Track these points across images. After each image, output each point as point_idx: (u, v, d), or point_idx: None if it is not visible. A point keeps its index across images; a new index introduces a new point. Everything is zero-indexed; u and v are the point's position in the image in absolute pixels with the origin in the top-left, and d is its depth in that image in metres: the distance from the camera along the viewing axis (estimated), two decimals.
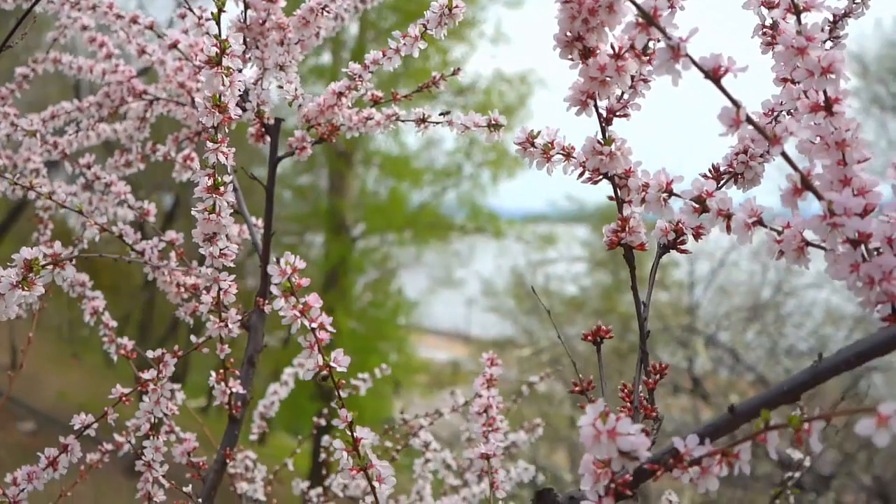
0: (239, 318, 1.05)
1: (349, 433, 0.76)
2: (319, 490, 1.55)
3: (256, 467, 1.51)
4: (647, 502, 6.88)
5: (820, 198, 0.60)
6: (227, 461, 1.13)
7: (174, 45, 1.21)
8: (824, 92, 0.63)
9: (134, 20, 1.23)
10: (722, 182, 0.81)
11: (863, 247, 0.62)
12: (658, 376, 0.75)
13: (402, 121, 1.12)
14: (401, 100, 1.15)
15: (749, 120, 0.59)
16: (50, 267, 0.77)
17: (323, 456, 1.54)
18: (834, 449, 6.22)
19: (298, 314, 0.73)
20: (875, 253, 0.62)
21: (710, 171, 0.81)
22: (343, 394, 1.61)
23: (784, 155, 0.60)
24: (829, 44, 0.84)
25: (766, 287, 7.71)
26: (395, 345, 11.57)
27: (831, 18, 0.84)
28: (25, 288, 0.76)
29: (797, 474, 1.26)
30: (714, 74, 0.60)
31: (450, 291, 12.88)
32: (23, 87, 1.43)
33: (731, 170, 0.80)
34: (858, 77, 9.36)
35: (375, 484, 0.76)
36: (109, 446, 1.29)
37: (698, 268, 8.24)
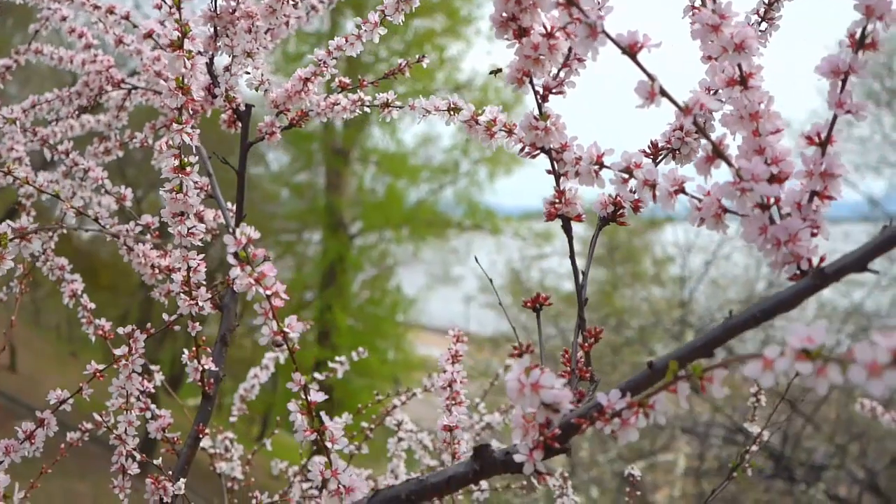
0: (209, 296, 1.09)
1: (304, 396, 0.80)
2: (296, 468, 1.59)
3: (234, 446, 1.56)
4: (643, 496, 6.92)
5: (730, 165, 0.64)
6: (200, 436, 1.17)
7: (149, 35, 1.24)
8: (739, 66, 0.67)
9: (110, 10, 1.27)
10: (660, 157, 0.85)
11: (775, 211, 0.66)
12: (593, 340, 0.79)
13: (368, 106, 1.16)
14: (367, 86, 1.19)
15: (663, 92, 0.63)
16: (17, 240, 0.81)
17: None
18: (826, 441, 6.26)
19: (254, 282, 0.76)
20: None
21: (648, 146, 0.85)
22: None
23: (696, 125, 0.64)
24: (763, 25, 0.88)
25: (760, 281, 7.75)
26: (393, 342, 11.61)
27: (766, 0, 0.87)
28: None
29: (754, 448, 1.30)
30: (631, 50, 0.63)
31: (448, 288, 12.90)
32: (6, 77, 1.47)
33: (668, 145, 0.84)
34: None
35: (328, 444, 0.80)
36: (88, 425, 1.33)
37: (693, 262, 8.28)
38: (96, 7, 1.29)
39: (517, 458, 0.68)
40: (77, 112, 1.48)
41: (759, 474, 6.25)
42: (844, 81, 0.65)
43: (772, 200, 0.64)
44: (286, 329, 0.78)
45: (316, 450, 0.84)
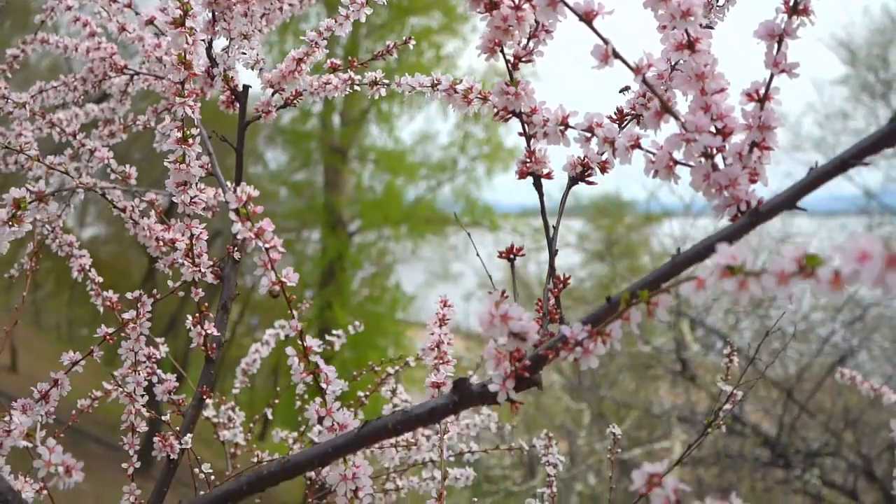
0: (211, 263, 1.16)
1: (300, 342, 0.87)
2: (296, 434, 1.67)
3: (236, 413, 1.63)
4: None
5: (677, 118, 0.72)
6: (204, 397, 1.25)
7: (150, 22, 1.32)
8: (686, 32, 0.74)
9: None
10: (625, 122, 0.92)
11: (720, 161, 0.74)
12: (563, 285, 0.86)
13: (358, 84, 1.24)
14: (358, 66, 1.26)
15: (615, 55, 0.71)
16: (36, 203, 0.88)
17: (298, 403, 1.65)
18: (821, 428, 6.33)
19: (253, 236, 0.84)
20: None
21: (614, 112, 0.92)
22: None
23: (645, 83, 0.72)
24: (721, 1, 0.95)
25: None
26: (392, 339, 11.68)
27: None
28: (14, 223, 0.88)
29: (727, 406, 1.38)
30: (587, 17, 0.71)
31: (447, 285, 12.96)
32: (13, 66, 1.54)
33: (633, 111, 0.91)
34: (847, 64, 9.45)
35: (323, 385, 0.87)
36: (99, 393, 1.40)
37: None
38: None
39: (491, 387, 0.75)
40: (82, 99, 1.56)
41: (756, 462, 6.32)
42: (780, 43, 0.72)
43: (714, 150, 0.72)
44: (284, 279, 0.85)
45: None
